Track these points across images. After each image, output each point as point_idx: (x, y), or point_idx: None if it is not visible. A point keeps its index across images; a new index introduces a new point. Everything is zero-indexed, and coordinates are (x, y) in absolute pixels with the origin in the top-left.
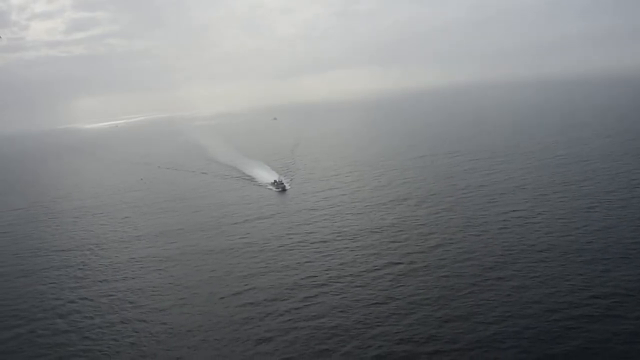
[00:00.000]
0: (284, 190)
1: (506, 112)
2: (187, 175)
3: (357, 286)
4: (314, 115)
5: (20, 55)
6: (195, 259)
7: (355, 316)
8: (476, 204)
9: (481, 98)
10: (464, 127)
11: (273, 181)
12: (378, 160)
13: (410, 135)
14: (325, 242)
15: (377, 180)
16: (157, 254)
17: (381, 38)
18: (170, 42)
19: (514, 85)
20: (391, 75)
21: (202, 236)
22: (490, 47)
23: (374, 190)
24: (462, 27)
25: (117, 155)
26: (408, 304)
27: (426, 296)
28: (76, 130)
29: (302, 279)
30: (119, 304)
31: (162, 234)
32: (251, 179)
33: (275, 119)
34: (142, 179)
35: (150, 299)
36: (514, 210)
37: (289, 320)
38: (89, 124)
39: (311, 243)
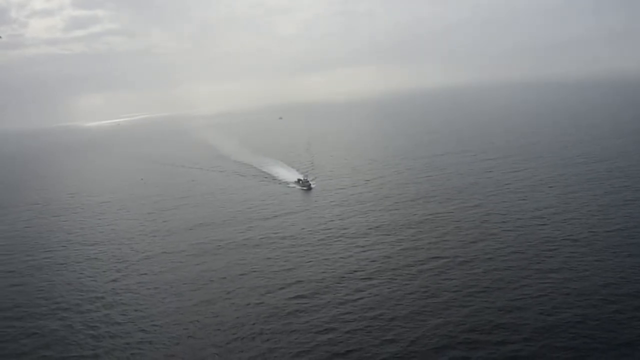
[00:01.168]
0: (309, 188)
1: (518, 112)
2: (204, 173)
3: (405, 279)
4: (320, 114)
5: (20, 52)
6: (233, 253)
7: (412, 307)
8: (506, 200)
9: (490, 98)
10: (477, 127)
11: (297, 179)
12: (396, 158)
13: (424, 134)
14: (362, 236)
15: (400, 177)
16: (192, 247)
17: (382, 38)
18: (170, 41)
19: (522, 86)
20: (394, 75)
21: (235, 230)
22: (495, 47)
23: (400, 187)
24: (464, 28)
25: (130, 153)
26: (462, 296)
27: (478, 288)
28: (78, 129)
29: (348, 272)
30: (164, 296)
31: (192, 229)
32: (272, 177)
33: (280, 118)
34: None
35: (194, 292)
36: (547, 207)
37: (346, 312)
38: (90, 122)
39: (348, 237)
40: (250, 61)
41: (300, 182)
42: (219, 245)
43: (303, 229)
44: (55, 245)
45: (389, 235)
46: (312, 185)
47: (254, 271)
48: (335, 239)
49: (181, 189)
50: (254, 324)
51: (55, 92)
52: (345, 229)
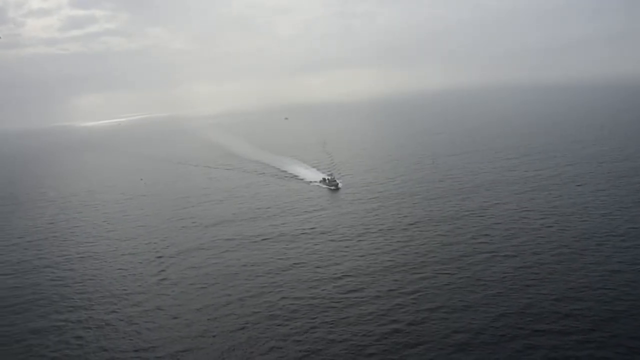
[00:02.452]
0: (337, 188)
1: (525, 113)
2: (222, 172)
3: (454, 271)
4: (324, 114)
5: (17, 52)
6: (272, 247)
7: (468, 299)
8: (539, 196)
9: (495, 100)
10: (488, 127)
11: (322, 179)
12: (415, 157)
13: (438, 134)
14: (401, 231)
15: (424, 173)
16: (227, 242)
17: (382, 39)
18: (168, 41)
19: (524, 88)
20: (394, 77)
21: (269, 225)
22: (495, 49)
23: (426, 184)
24: (464, 29)
25: (143, 152)
26: (519, 287)
27: (531, 280)
28: (78, 129)
29: (393, 266)
30: (212, 290)
31: (224, 224)
32: (295, 177)
33: (286, 118)
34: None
35: (244, 285)
36: (582, 203)
37: (403, 305)
38: (89, 122)
39: (386, 232)
40: (250, 61)
41: (327, 181)
42: (255, 241)
43: (339, 224)
44: (91, 240)
45: (427, 230)
46: (340, 185)
47: (298, 265)
48: (374, 234)
49: (203, 186)
50: (313, 318)
51: (53, 92)
52: (381, 224)
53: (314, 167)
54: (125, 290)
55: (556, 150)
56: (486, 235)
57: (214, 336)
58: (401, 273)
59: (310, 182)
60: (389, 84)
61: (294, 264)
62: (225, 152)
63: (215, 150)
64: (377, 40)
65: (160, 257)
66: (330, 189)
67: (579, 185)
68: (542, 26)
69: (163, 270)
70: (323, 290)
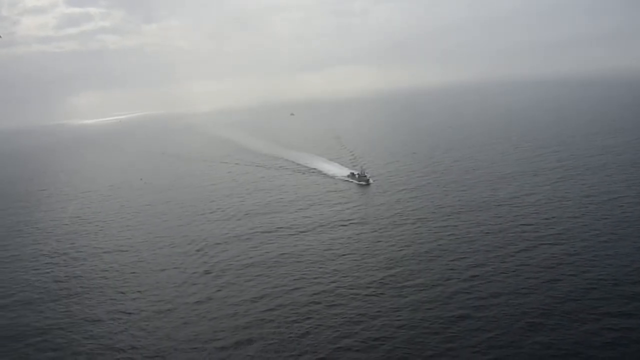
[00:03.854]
0: (368, 183)
1: (529, 107)
2: (241, 168)
3: (515, 265)
4: (328, 111)
5: (11, 50)
6: (314, 237)
7: (545, 295)
8: (569, 185)
9: (500, 95)
10: (491, 122)
11: (350, 174)
12: (435, 151)
13: (453, 128)
14: (442, 220)
15: (446, 166)
16: (271, 230)
17: (381, 37)
18: (164, 39)
19: (526, 84)
20: (393, 74)
21: (302, 216)
22: (493, 46)
23: (452, 175)
24: (463, 27)
25: (155, 150)
26: (579, 272)
27: (592, 262)
28: (78, 127)
29: (439, 255)
30: (269, 274)
31: (260, 214)
32: (317, 172)
33: (292, 114)
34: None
35: (300, 270)
36: (610, 191)
37: (473, 297)
38: (87, 119)
39: (427, 222)
40: (248, 59)
41: (357, 176)
42: (299, 230)
43: (379, 216)
44: (124, 234)
45: (469, 219)
46: (371, 180)
47: (346, 255)
48: (413, 224)
49: (226, 180)
50: (371, 305)
51: (49, 90)
52: (418, 215)
53: (334, 161)
54: (170, 281)
55: (575, 142)
56: (529, 224)
57: (277, 327)
58: (454, 261)
59: (335, 176)
60: (388, 81)
61: (342, 254)
62: (236, 148)
63: (227, 147)
64: (376, 37)
65: (199, 250)
66: (361, 185)
67: (607, 176)
68: (538, 25)
69: (205, 262)
70: (377, 278)
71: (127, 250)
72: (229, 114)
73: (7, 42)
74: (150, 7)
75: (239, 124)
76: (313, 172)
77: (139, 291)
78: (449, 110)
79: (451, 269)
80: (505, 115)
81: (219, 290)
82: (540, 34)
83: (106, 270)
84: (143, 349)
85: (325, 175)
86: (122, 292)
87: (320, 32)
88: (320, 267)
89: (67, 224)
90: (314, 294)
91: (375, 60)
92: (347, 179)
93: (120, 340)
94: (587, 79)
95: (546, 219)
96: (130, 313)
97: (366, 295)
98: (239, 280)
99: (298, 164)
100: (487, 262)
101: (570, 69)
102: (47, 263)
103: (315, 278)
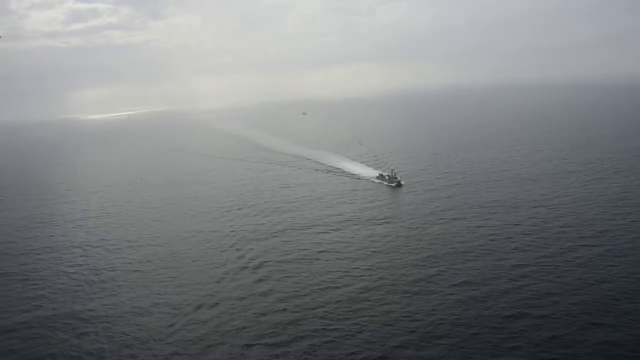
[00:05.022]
0: (399, 185)
1: (540, 110)
2: (261, 165)
3: (563, 264)
4: (341, 110)
5: (19, 44)
6: (357, 234)
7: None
8: (599, 186)
9: (508, 98)
10: (507, 123)
11: (379, 175)
12: (456, 151)
13: (476, 128)
14: (478, 220)
15: (469, 165)
16: (305, 227)
17: (387, 37)
18: (170, 36)
19: (535, 88)
20: (399, 74)
21: (344, 211)
22: (501, 49)
23: (479, 175)
24: (469, 29)
25: (169, 145)
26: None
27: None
28: (85, 122)
29: (494, 249)
30: (315, 270)
31: (289, 211)
32: (347, 173)
33: (304, 113)
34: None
35: (344, 263)
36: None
37: (526, 297)
38: (96, 114)
39: (460, 221)
40: (254, 56)
41: (388, 177)
42: (333, 227)
43: (412, 215)
44: (157, 227)
45: (508, 219)
46: (402, 182)
47: (386, 252)
48: (447, 224)
49: (249, 177)
50: (425, 308)
51: (56, 84)
52: (455, 216)
53: (358, 162)
54: (210, 276)
55: (600, 144)
56: (568, 225)
57: (328, 324)
58: (498, 260)
59: (363, 177)
60: (394, 81)
61: (381, 251)
62: (256, 147)
63: (247, 145)
64: (381, 37)
65: (233, 245)
66: (391, 186)
67: (626, 177)
68: (549, 26)
69: (241, 257)
70: (422, 276)
71: (160, 245)
72: (237, 111)
73: (16, 35)
74: (157, 3)
75: (253, 121)
76: (338, 172)
77: (179, 285)
78: (462, 111)
79: (497, 268)
80: (521, 116)
81: (261, 286)
82: (553, 36)
83: (143, 263)
84: (192, 343)
85: (353, 176)
86: (164, 285)
87: (326, 30)
88: (362, 264)
89: (94, 217)
90: (361, 291)
91: (380, 60)
92: (376, 180)
93: (170, 333)
94: (601, 82)
95: (584, 220)
96: (175, 307)
97: (415, 293)
98: (280, 276)
99: (322, 163)
100: (532, 262)
101: (586, 72)
102: (81, 255)
103: (360, 275)
